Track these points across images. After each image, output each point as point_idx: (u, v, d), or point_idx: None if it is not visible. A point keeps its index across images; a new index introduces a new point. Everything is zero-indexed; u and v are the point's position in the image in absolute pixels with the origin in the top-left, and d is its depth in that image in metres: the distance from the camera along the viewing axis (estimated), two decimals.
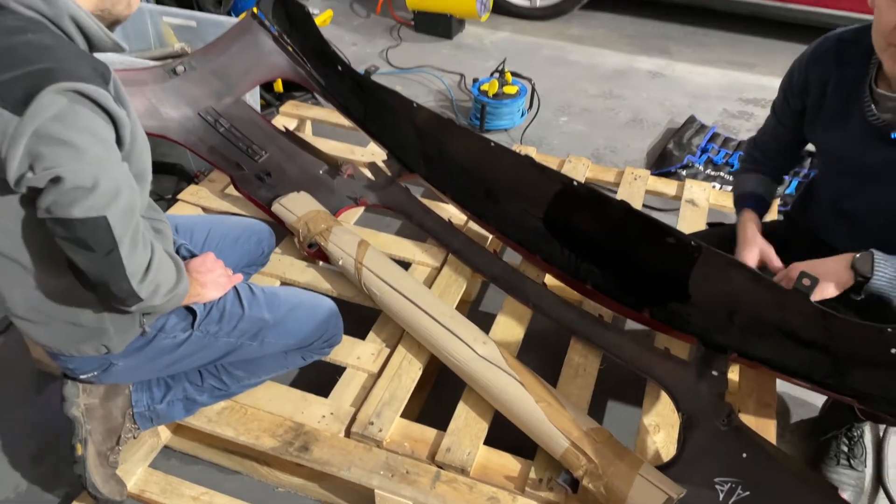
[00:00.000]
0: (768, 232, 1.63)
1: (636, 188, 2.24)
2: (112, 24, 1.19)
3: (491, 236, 1.99)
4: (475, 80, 2.94)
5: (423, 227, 2.00)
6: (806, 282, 1.25)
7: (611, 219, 1.56)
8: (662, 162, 2.61)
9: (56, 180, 1.01)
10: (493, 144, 1.74)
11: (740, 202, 1.63)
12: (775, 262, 1.46)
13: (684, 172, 2.53)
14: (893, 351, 1.17)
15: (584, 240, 1.68)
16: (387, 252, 1.88)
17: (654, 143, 2.80)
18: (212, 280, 1.39)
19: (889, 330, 1.13)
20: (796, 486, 1.26)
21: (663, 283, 1.52)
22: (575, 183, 1.58)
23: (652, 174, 2.30)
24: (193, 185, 2.19)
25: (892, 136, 1.32)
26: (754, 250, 1.48)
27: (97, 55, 1.15)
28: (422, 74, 3.27)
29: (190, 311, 1.37)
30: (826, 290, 1.32)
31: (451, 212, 2.06)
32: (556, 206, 1.67)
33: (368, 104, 2.13)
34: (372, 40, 3.64)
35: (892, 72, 1.25)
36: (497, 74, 2.90)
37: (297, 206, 1.96)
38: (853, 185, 1.45)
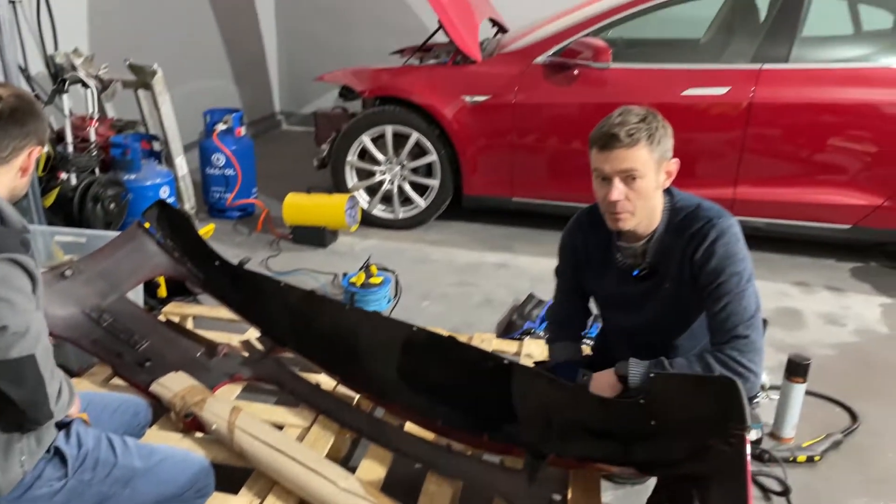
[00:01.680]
0: (584, 363, 2.00)
1: (484, 347, 2.60)
2: (14, 202, 1.52)
3: (357, 395, 2.24)
4: (345, 275, 3.35)
5: (294, 394, 2.22)
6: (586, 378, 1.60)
7: (443, 354, 1.88)
8: (508, 330, 3.04)
9: (1, 330, 1.27)
10: (346, 307, 2.08)
11: (559, 372, 1.89)
12: None
13: (527, 337, 2.94)
14: (653, 422, 1.51)
15: (428, 379, 1.98)
16: (260, 417, 2.07)
17: (501, 317, 3.25)
18: None
19: (641, 401, 1.47)
20: None
21: (489, 404, 1.82)
22: (414, 328, 1.92)
23: (497, 337, 2.69)
24: (75, 379, 2.32)
25: (633, 275, 1.80)
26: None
27: None
28: (299, 276, 3.66)
29: (63, 461, 1.51)
30: (604, 392, 1.66)
31: (321, 379, 2.30)
32: (403, 352, 1.99)
33: (242, 290, 2.44)
34: (254, 253, 4.04)
35: (613, 228, 1.74)
36: (364, 268, 3.33)
37: (174, 384, 2.15)
38: (623, 315, 1.89)
